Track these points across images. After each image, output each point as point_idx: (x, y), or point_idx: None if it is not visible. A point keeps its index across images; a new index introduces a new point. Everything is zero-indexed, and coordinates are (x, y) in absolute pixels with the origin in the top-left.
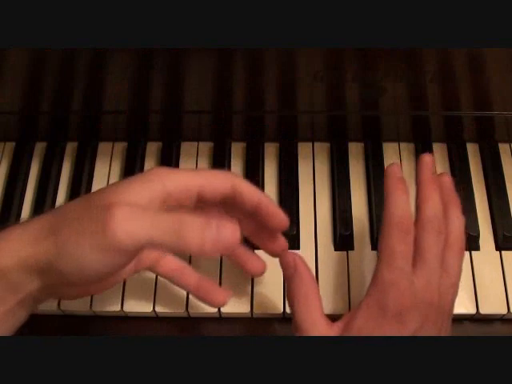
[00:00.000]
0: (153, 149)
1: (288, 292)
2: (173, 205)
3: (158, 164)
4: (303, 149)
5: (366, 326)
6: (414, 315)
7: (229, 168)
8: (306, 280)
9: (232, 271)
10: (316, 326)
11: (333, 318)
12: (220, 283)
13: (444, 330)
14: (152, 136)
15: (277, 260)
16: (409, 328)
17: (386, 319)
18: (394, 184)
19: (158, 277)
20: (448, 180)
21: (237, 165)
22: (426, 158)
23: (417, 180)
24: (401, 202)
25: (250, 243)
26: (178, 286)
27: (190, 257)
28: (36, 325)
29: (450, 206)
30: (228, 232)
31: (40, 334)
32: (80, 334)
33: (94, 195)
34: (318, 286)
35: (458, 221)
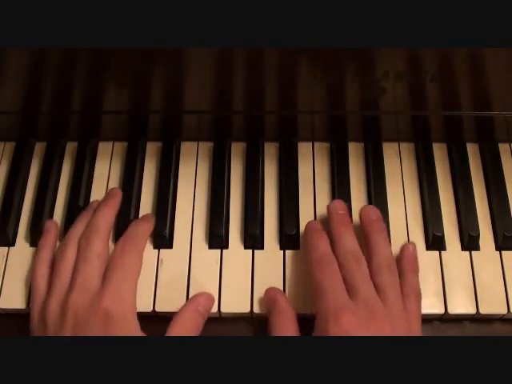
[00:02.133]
0: (153, 149)
1: (268, 322)
2: None
3: (159, 164)
4: (303, 149)
5: None
6: (360, 334)
7: (229, 168)
8: (283, 309)
9: (232, 271)
10: None
11: None
12: (220, 283)
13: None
14: (152, 136)
15: (277, 260)
16: None
17: None
18: (312, 233)
19: (158, 277)
20: (367, 212)
21: (237, 165)
22: (336, 208)
23: (329, 226)
24: (318, 244)
25: None
26: None
27: (190, 257)
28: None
29: (373, 234)
30: None
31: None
32: None
33: None
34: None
35: (381, 245)
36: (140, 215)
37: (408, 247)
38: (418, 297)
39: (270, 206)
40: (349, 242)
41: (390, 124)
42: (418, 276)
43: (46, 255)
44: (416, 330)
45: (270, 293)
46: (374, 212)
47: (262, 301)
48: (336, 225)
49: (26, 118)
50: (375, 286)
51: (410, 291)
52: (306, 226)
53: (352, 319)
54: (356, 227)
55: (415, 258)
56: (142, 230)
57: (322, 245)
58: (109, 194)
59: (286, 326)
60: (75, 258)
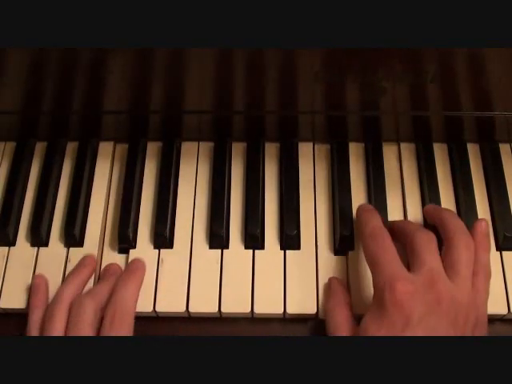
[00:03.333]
0: (153, 149)
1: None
2: None
3: (159, 164)
4: (303, 149)
5: (371, 327)
6: (415, 306)
7: (229, 168)
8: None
9: (232, 271)
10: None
11: None
12: (220, 283)
13: (470, 329)
14: (152, 136)
15: (277, 260)
16: (412, 319)
17: (387, 317)
18: (362, 212)
19: (158, 277)
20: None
21: (237, 165)
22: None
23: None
24: (369, 219)
25: None
26: None
27: (191, 257)
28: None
29: (443, 212)
30: None
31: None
32: None
33: None
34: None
35: (455, 220)
36: (141, 215)
37: (481, 223)
38: (488, 276)
39: (271, 206)
40: (414, 224)
41: (391, 124)
42: (489, 254)
43: (37, 317)
44: (480, 311)
45: (329, 279)
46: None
47: (262, 301)
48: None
49: (27, 118)
50: (447, 261)
51: (479, 269)
52: (358, 208)
53: (407, 287)
54: None
55: (488, 235)
56: (131, 291)
57: (373, 219)
58: (133, 264)
59: (336, 310)
60: (65, 326)
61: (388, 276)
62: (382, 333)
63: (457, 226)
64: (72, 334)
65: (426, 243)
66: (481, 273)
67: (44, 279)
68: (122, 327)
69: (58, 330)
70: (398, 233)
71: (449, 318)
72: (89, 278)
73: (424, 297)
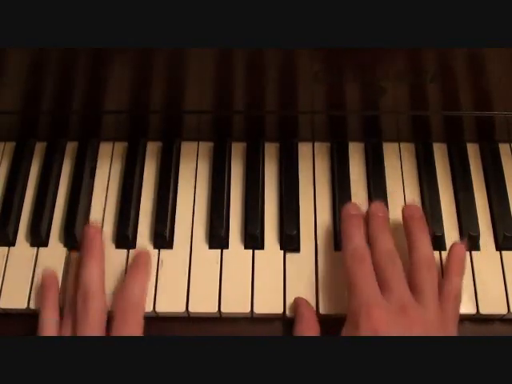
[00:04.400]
0: (153, 149)
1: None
2: None
3: (159, 164)
4: (303, 149)
5: None
6: (388, 332)
7: (229, 168)
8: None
9: (232, 271)
10: None
11: (333, 318)
12: (220, 283)
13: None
14: (152, 136)
15: (277, 261)
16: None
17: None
18: (348, 221)
19: (158, 277)
20: (410, 210)
21: (237, 165)
22: (377, 211)
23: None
24: (353, 234)
25: None
26: None
27: (190, 257)
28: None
29: (415, 231)
30: None
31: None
32: None
33: None
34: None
35: (422, 243)
36: (140, 215)
37: (457, 248)
38: (458, 299)
39: (270, 206)
40: (385, 242)
41: (391, 124)
42: (462, 278)
43: (52, 315)
44: (451, 331)
45: (295, 300)
46: (417, 210)
47: (262, 301)
48: (374, 226)
49: (26, 118)
50: (412, 284)
51: (449, 293)
52: (343, 209)
53: (383, 315)
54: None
55: (463, 260)
56: (139, 285)
57: (357, 236)
58: (87, 237)
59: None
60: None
61: (364, 301)
62: None
63: (422, 249)
64: (82, 332)
65: (392, 267)
66: (451, 296)
67: (55, 279)
68: (134, 321)
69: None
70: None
71: None
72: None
73: (397, 323)
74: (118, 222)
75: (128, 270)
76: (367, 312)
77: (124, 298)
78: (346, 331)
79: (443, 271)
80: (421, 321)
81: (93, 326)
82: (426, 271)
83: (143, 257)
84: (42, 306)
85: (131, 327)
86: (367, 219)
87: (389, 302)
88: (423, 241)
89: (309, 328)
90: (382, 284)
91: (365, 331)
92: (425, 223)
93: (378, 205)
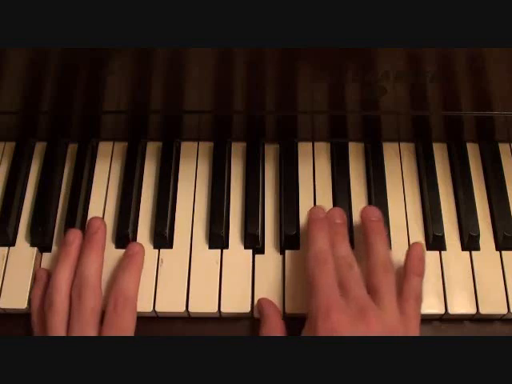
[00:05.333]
0: (153, 149)
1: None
2: None
3: (159, 164)
4: (303, 149)
5: None
6: (348, 334)
7: (229, 168)
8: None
9: (232, 271)
10: None
11: None
12: (220, 283)
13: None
14: (152, 136)
15: (277, 261)
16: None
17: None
18: (313, 224)
19: (158, 277)
20: (366, 213)
21: (237, 165)
22: (335, 218)
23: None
24: (317, 237)
25: None
26: None
27: (190, 257)
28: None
29: (372, 234)
30: None
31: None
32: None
33: None
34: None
35: (378, 246)
36: (140, 215)
37: (415, 248)
38: (418, 300)
39: (270, 206)
40: (342, 248)
41: (390, 124)
42: (421, 278)
43: (37, 305)
44: (412, 334)
45: (259, 301)
46: (374, 212)
47: None
48: (333, 232)
49: (26, 118)
50: (370, 286)
51: (409, 294)
52: (309, 213)
53: (341, 317)
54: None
55: (421, 260)
56: (133, 279)
57: (320, 239)
58: (90, 228)
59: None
60: (67, 313)
61: (323, 303)
62: None
63: (379, 252)
64: (77, 324)
65: (348, 271)
66: (411, 298)
67: (45, 271)
68: (125, 312)
69: (59, 320)
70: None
71: None
72: (78, 253)
73: (355, 325)
74: (118, 222)
75: (121, 263)
76: (326, 314)
77: (115, 289)
78: (305, 332)
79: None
80: (379, 323)
81: (87, 322)
82: (382, 274)
83: (133, 248)
84: (32, 296)
85: (124, 320)
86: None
87: (347, 305)
88: (379, 243)
89: (273, 328)
90: (341, 287)
91: (323, 333)
92: (382, 225)
93: (335, 210)
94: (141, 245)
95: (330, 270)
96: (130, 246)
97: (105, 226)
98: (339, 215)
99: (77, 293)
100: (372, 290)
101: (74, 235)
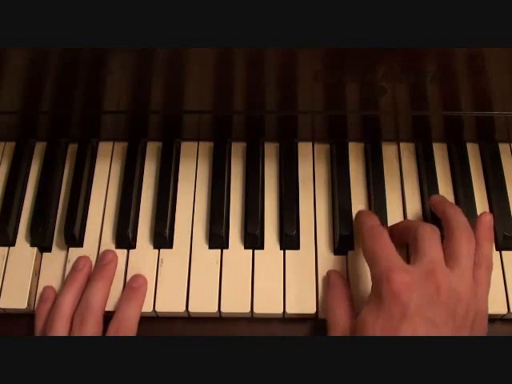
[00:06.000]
0: (153, 149)
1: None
2: None
3: (159, 164)
4: (303, 149)
5: (368, 318)
6: (412, 296)
7: (229, 168)
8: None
9: (232, 271)
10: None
11: None
12: (220, 283)
13: (477, 328)
14: (152, 136)
15: (277, 260)
16: (410, 309)
17: (384, 308)
18: (360, 213)
19: (158, 277)
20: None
21: (237, 165)
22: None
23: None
24: (366, 219)
25: None
26: None
27: (190, 257)
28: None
29: (448, 207)
30: None
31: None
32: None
33: None
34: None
35: (458, 214)
36: (140, 215)
37: (485, 215)
38: (490, 267)
39: (270, 206)
40: (424, 224)
41: (390, 124)
42: (492, 245)
43: (41, 326)
44: (481, 302)
45: (328, 273)
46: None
47: (262, 301)
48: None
49: (26, 118)
50: (448, 251)
51: (482, 260)
52: (357, 214)
53: (404, 277)
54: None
55: (491, 228)
56: (134, 309)
57: (371, 219)
58: (104, 260)
59: (336, 302)
60: (67, 335)
61: (385, 268)
62: (379, 323)
63: (459, 220)
64: None
65: (429, 234)
66: (483, 264)
67: (53, 291)
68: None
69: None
70: (401, 232)
71: (448, 308)
72: (86, 280)
73: (422, 287)
74: (118, 222)
75: (124, 290)
76: (388, 276)
77: (117, 319)
78: (369, 302)
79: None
80: (448, 287)
81: None
82: (465, 240)
83: (138, 280)
84: (36, 314)
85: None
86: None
87: (418, 265)
88: (458, 214)
89: (340, 297)
90: (415, 249)
91: (386, 297)
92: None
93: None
94: (144, 277)
95: (385, 238)
96: (136, 278)
97: (117, 259)
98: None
99: (79, 318)
100: (450, 254)
101: (85, 262)
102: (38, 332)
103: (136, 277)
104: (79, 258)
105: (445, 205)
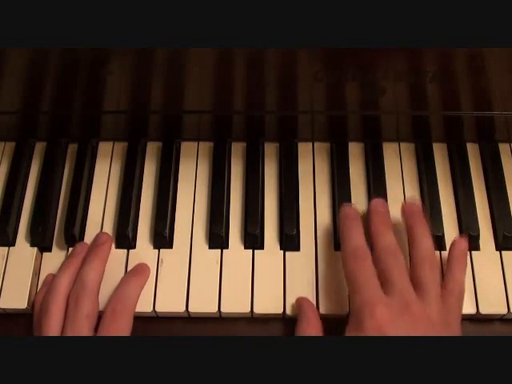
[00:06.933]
0: (153, 149)
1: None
2: None
3: (159, 164)
4: (303, 149)
5: None
6: (392, 329)
7: (229, 168)
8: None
9: (232, 271)
10: None
11: (332, 318)
12: (220, 283)
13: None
14: (152, 136)
15: (277, 260)
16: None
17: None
18: (346, 222)
19: (158, 277)
20: (410, 205)
21: (237, 165)
22: (377, 206)
23: (368, 223)
24: (352, 235)
25: None
26: None
27: (190, 257)
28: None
29: (415, 227)
30: None
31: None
32: None
33: None
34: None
35: (423, 238)
36: (140, 215)
37: (460, 243)
38: (461, 294)
39: (270, 206)
40: (387, 238)
41: (390, 124)
42: (464, 274)
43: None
44: (454, 328)
45: (298, 300)
46: (417, 206)
47: (262, 301)
48: (376, 222)
49: (26, 118)
50: (414, 280)
51: (453, 288)
52: (341, 211)
53: (386, 312)
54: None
55: (465, 255)
56: (134, 288)
57: (356, 236)
58: (98, 240)
59: (307, 333)
60: (62, 317)
61: (367, 299)
62: None
63: (422, 244)
64: (70, 328)
65: (394, 263)
66: (455, 291)
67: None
68: (121, 322)
69: (53, 324)
70: (371, 242)
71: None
72: (81, 264)
73: (400, 320)
74: (118, 222)
75: (127, 273)
76: (371, 310)
77: (115, 297)
78: (349, 330)
79: (445, 267)
80: (424, 318)
81: (81, 327)
82: (428, 267)
83: (142, 266)
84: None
85: (118, 326)
86: (367, 217)
87: (391, 299)
88: (424, 236)
89: (312, 326)
90: (385, 280)
91: (369, 330)
92: (424, 218)
93: (378, 201)
94: (148, 266)
95: (369, 265)
96: (140, 264)
97: (112, 241)
98: (382, 204)
99: (74, 297)
100: (417, 284)
101: (82, 247)
102: (35, 315)
103: (141, 263)
104: (77, 244)
105: (414, 220)
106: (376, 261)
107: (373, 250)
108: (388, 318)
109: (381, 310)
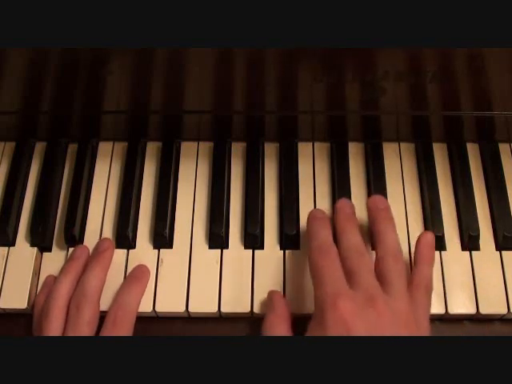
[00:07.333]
0: (153, 149)
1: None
2: None
3: (159, 164)
4: (303, 149)
5: None
6: (356, 323)
7: (229, 168)
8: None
9: (232, 271)
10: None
11: None
12: (220, 283)
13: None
14: (152, 136)
15: (277, 261)
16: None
17: (328, 334)
18: (313, 221)
19: (158, 277)
20: (374, 201)
21: (237, 165)
22: (342, 205)
23: (334, 222)
24: (319, 232)
25: None
26: None
27: (190, 257)
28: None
29: (379, 222)
30: None
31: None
32: None
33: None
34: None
35: (388, 234)
36: (140, 215)
37: (425, 236)
38: (429, 288)
39: (270, 206)
40: (352, 236)
41: (390, 124)
42: (432, 266)
43: (38, 312)
44: (423, 323)
45: (269, 293)
46: (382, 201)
47: (262, 301)
48: (341, 221)
49: (26, 118)
50: (379, 275)
51: (420, 282)
52: (309, 215)
53: (349, 305)
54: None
55: (431, 248)
56: (135, 295)
57: (322, 233)
58: (100, 247)
59: (274, 324)
60: (63, 321)
61: (330, 292)
62: None
63: (387, 238)
64: (71, 334)
65: (359, 260)
66: (421, 285)
67: (54, 279)
68: (122, 329)
69: (54, 327)
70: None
71: (391, 332)
72: (82, 268)
73: (364, 313)
74: (118, 222)
75: (126, 278)
76: (333, 303)
77: (116, 304)
78: (312, 325)
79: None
80: (389, 311)
81: (81, 333)
82: (392, 261)
83: (141, 269)
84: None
85: (119, 334)
86: (333, 216)
87: (356, 292)
88: (388, 231)
89: (280, 318)
90: (350, 276)
91: (331, 323)
92: (390, 214)
93: (344, 201)
94: (148, 268)
95: (334, 259)
96: (139, 267)
97: (113, 247)
98: (348, 205)
99: (75, 303)
100: (382, 278)
101: (82, 251)
102: (35, 317)
103: (140, 265)
104: (76, 247)
105: (377, 214)
106: (342, 259)
107: (338, 248)
108: (351, 310)
109: (344, 302)
